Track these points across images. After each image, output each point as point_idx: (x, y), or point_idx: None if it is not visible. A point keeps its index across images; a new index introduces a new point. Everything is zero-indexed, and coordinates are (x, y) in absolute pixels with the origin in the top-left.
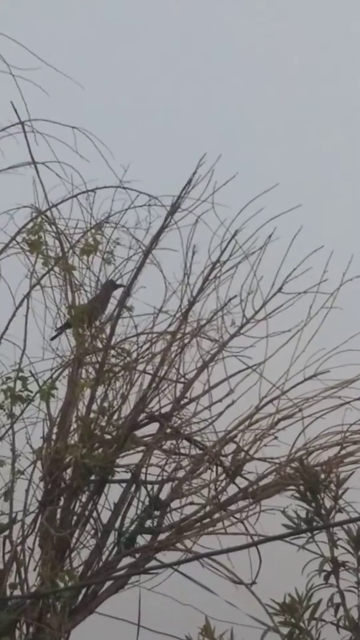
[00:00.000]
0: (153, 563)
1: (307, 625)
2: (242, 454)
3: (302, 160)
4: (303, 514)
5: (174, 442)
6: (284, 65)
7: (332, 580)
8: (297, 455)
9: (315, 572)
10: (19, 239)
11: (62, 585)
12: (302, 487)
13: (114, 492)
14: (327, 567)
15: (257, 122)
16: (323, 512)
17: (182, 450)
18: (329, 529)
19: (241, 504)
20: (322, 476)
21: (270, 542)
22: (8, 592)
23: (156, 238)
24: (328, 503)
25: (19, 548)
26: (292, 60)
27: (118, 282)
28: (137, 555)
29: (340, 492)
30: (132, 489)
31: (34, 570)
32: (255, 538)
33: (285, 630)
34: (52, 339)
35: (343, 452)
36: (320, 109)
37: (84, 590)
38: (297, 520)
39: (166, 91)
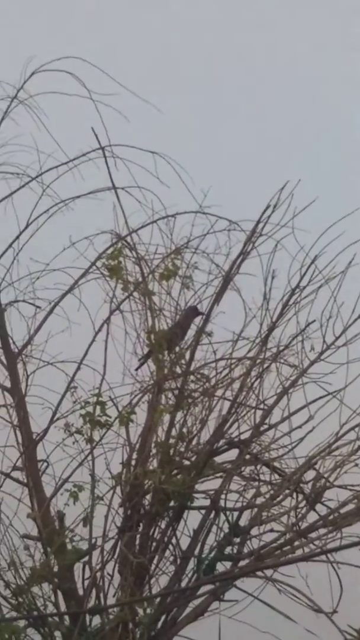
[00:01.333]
0: (233, 590)
1: None
2: (323, 481)
3: None
4: None
5: (254, 468)
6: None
7: None
8: None
9: None
10: (99, 264)
11: (141, 611)
12: None
13: (193, 519)
14: None
15: (338, 146)
16: None
17: (261, 477)
18: None
19: (322, 531)
20: None
21: (353, 570)
22: (88, 618)
23: (236, 263)
24: None
25: (98, 574)
26: None
27: (199, 309)
28: (216, 583)
29: None
30: (212, 515)
31: (113, 596)
32: (336, 566)
33: None
34: (136, 369)
35: None
36: None
37: (163, 617)
38: None
39: (245, 115)
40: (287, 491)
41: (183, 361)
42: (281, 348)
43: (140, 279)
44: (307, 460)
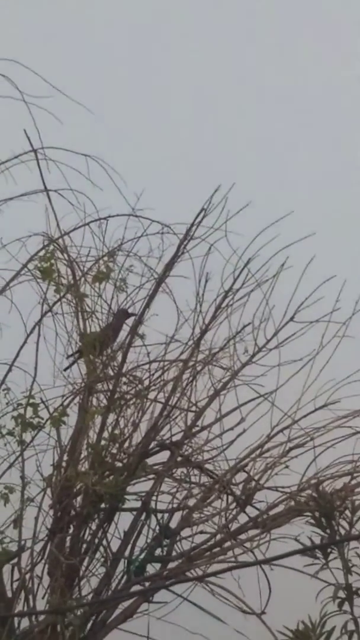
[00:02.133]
0: (162, 592)
1: None
2: (253, 483)
3: (316, 188)
4: (318, 541)
5: (185, 470)
6: (300, 92)
7: (346, 607)
8: (310, 484)
9: (329, 599)
10: (30, 266)
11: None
12: (317, 514)
13: (123, 521)
14: (342, 594)
15: (271, 151)
16: (337, 537)
17: (193, 479)
18: (343, 555)
19: (252, 532)
20: (338, 503)
21: (282, 570)
22: (16, 620)
23: (169, 266)
24: (343, 530)
25: (27, 576)
26: (311, 85)
27: (130, 311)
28: (146, 584)
29: (355, 518)
30: (143, 517)
31: (42, 598)
32: (266, 566)
33: None
34: (65, 369)
35: (354, 482)
36: (337, 137)
37: (92, 619)
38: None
39: (180, 119)
40: (217, 493)
41: (115, 363)
42: (215, 351)
43: (72, 282)
44: (238, 462)
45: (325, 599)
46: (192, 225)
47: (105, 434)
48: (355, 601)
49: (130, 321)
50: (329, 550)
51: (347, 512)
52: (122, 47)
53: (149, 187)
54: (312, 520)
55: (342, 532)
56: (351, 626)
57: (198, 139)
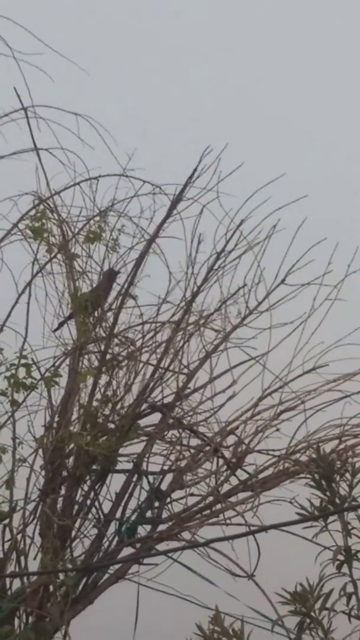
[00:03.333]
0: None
1: (318, 615)
2: (244, 445)
3: (309, 150)
4: (316, 504)
5: (177, 432)
6: (290, 50)
7: (344, 569)
8: (300, 447)
9: (328, 561)
10: (21, 226)
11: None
12: (316, 476)
13: (116, 482)
14: (341, 556)
15: (264, 111)
16: (337, 500)
17: (184, 441)
18: (343, 517)
19: (243, 495)
20: (338, 465)
21: (278, 533)
22: (8, 581)
23: (160, 227)
24: (343, 492)
25: (19, 536)
26: (303, 46)
27: (117, 269)
28: (137, 546)
29: (355, 481)
30: (134, 478)
31: (34, 559)
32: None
33: (295, 620)
34: (55, 330)
35: (341, 445)
36: (329, 98)
37: (84, 580)
38: (311, 508)
39: (171, 78)
40: (208, 455)
41: (106, 324)
42: (207, 313)
43: (63, 242)
44: (228, 424)
45: (324, 562)
46: (184, 186)
47: (98, 396)
48: (354, 564)
49: (120, 281)
50: None
51: (347, 475)
52: (115, 3)
53: (140, 147)
54: (311, 483)
55: (342, 494)
56: (350, 588)
57: (191, 99)
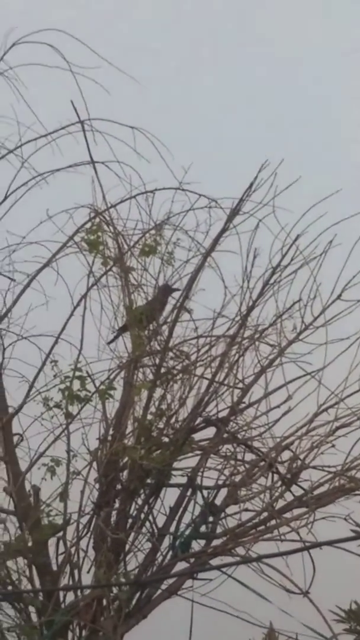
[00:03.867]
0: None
1: None
2: (299, 461)
3: None
4: None
5: (231, 447)
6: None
7: None
8: (356, 464)
9: None
10: (77, 238)
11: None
12: None
13: (170, 496)
14: None
15: (320, 128)
16: None
17: (239, 456)
18: None
19: (298, 511)
20: None
21: (331, 550)
22: (62, 594)
23: (216, 241)
24: None
25: (73, 549)
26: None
27: (175, 286)
28: (191, 560)
29: None
30: (189, 493)
31: (88, 572)
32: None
33: (350, 638)
34: (110, 342)
35: None
36: None
37: (137, 595)
38: None
39: (230, 93)
40: (263, 471)
41: (161, 337)
42: (262, 327)
43: (118, 255)
44: (284, 439)
45: None
46: (240, 200)
47: (152, 409)
48: None
49: (176, 296)
50: None
51: None
52: (169, 14)
53: (196, 160)
54: None
55: None
56: None
57: (248, 113)
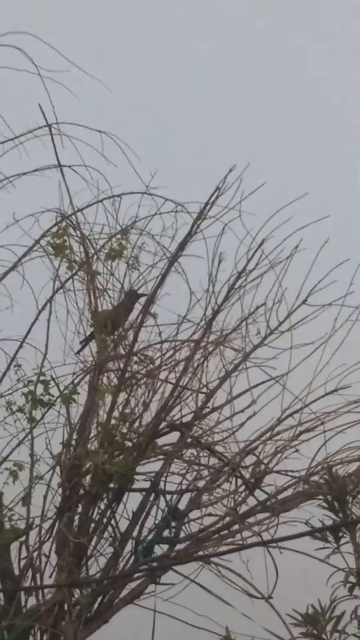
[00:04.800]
0: (170, 573)
1: (329, 638)
2: (263, 466)
3: (331, 170)
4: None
5: (195, 451)
6: (306, 73)
7: (356, 592)
8: (319, 469)
9: (340, 583)
10: (43, 242)
11: (78, 592)
12: (329, 497)
13: (132, 501)
14: (352, 578)
15: (286, 131)
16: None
17: (202, 461)
18: (354, 539)
19: (261, 516)
20: (350, 487)
21: (291, 555)
22: (24, 598)
23: (182, 245)
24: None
25: (35, 554)
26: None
27: (141, 291)
28: (154, 565)
29: None
30: (152, 497)
31: (50, 577)
32: (275, 550)
33: None
34: (78, 352)
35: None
36: (351, 118)
37: (99, 600)
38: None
39: (195, 98)
40: (226, 475)
41: (126, 342)
42: (227, 332)
43: (84, 259)
44: (248, 444)
45: (335, 584)
46: (206, 204)
47: (116, 414)
48: None
49: (141, 301)
50: (340, 534)
51: None
52: (138, 21)
53: (163, 165)
54: (324, 504)
55: (354, 516)
56: None
57: (214, 118)
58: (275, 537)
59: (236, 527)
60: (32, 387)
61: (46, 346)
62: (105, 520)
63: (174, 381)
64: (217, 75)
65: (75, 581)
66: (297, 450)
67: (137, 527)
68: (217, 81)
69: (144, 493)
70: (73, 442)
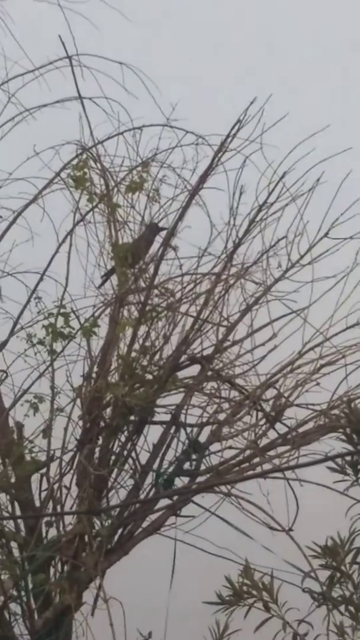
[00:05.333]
0: (190, 506)
1: (348, 569)
2: (283, 399)
3: (355, 101)
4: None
5: (215, 384)
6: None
7: None
8: (339, 402)
9: (359, 516)
10: (63, 174)
11: (98, 524)
12: (348, 430)
13: (153, 433)
14: None
15: (310, 62)
16: None
17: (223, 394)
18: None
19: (281, 449)
20: None
21: (311, 488)
22: (44, 530)
23: (203, 178)
24: None
25: (55, 486)
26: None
27: (162, 225)
28: (174, 498)
29: None
30: (172, 430)
31: (70, 508)
32: (295, 483)
33: (325, 574)
34: (99, 286)
35: None
36: None
37: (120, 531)
38: (342, 462)
39: (217, 28)
40: (247, 409)
41: (147, 275)
42: (248, 264)
43: (105, 191)
44: (268, 378)
45: (354, 516)
46: (227, 136)
47: (136, 346)
48: None
49: (162, 234)
50: (358, 466)
51: None
52: None
53: (184, 97)
54: (343, 437)
55: None
56: None
57: (235, 48)
58: (295, 470)
59: (257, 459)
60: (52, 320)
61: (66, 279)
62: (125, 452)
63: (194, 314)
64: (240, 3)
65: (95, 509)
66: (317, 384)
67: (158, 460)
68: (241, 10)
69: (164, 426)
70: (94, 375)
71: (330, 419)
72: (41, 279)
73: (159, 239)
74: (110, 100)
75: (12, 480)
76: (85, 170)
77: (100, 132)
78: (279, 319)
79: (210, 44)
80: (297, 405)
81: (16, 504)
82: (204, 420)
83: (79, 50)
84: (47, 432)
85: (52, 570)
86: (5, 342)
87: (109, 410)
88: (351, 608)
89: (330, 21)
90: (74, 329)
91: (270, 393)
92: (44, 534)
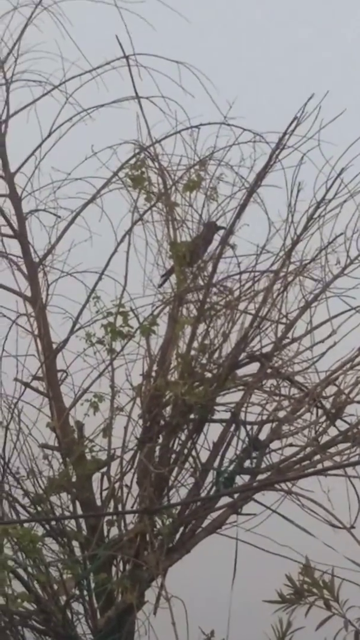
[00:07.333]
0: (251, 504)
1: None
2: (343, 396)
3: None
4: None
5: (275, 382)
6: None
7: None
8: None
9: None
10: (121, 174)
11: (160, 523)
12: None
13: (213, 432)
14: None
15: None
16: None
17: (282, 391)
18: None
19: (342, 446)
20: None
21: None
22: (106, 529)
23: (260, 175)
24: None
25: (116, 485)
26: None
27: (219, 223)
28: (235, 496)
29: None
30: (232, 428)
31: (131, 507)
32: (356, 480)
33: None
34: (160, 285)
35: None
36: None
37: (181, 529)
38: None
39: (274, 26)
40: (307, 406)
41: (205, 273)
42: (306, 261)
43: (163, 190)
44: (328, 374)
45: None
46: (284, 134)
47: (195, 345)
48: None
49: (220, 233)
50: None
51: None
52: None
53: (241, 95)
54: None
55: None
56: None
57: (292, 46)
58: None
59: (317, 457)
60: (111, 319)
61: (125, 278)
62: (186, 451)
63: (253, 312)
64: (295, 3)
65: (155, 507)
66: None
67: (218, 458)
68: (295, 9)
69: (224, 424)
70: (153, 374)
71: None
72: (100, 278)
73: (217, 237)
74: (168, 99)
75: (73, 479)
76: (143, 169)
77: (158, 131)
78: (338, 315)
79: (265, 42)
80: (358, 402)
81: (77, 503)
82: (264, 418)
83: (135, 50)
84: (107, 431)
85: (113, 569)
86: (65, 342)
87: (168, 408)
88: None
89: None
90: (133, 328)
91: (330, 390)
92: (105, 533)
